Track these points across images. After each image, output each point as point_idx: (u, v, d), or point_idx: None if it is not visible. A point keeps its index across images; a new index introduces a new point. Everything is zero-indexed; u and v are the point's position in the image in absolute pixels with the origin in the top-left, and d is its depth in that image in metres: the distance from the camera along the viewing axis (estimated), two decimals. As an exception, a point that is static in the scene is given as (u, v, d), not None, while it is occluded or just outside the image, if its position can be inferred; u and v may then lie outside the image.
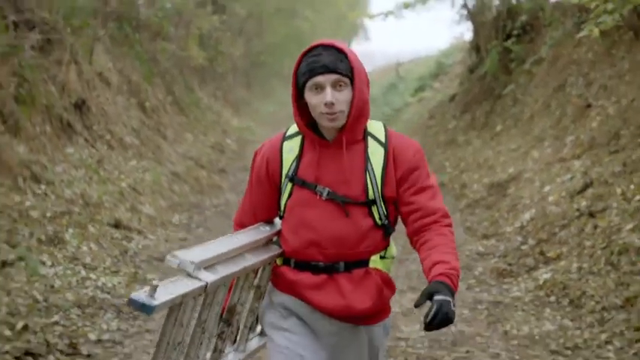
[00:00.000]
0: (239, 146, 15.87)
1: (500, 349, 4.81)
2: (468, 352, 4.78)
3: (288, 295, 2.48)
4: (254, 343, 2.73)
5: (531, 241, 7.04)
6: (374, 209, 2.40)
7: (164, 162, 10.96)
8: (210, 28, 17.78)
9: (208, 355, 2.45)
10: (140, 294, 1.99)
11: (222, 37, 19.38)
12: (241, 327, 2.63)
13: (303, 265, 2.45)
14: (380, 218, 2.41)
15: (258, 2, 23.42)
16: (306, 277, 2.43)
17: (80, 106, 9.16)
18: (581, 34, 6.22)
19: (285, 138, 2.50)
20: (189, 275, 2.15)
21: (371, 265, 2.43)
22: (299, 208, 2.43)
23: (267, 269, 2.58)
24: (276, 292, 2.53)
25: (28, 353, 4.17)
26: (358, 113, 2.37)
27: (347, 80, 2.35)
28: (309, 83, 2.35)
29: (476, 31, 15.27)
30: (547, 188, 8.02)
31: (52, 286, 5.27)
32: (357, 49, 45.35)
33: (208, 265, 2.23)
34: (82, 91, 9.38)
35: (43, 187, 6.87)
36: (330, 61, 2.33)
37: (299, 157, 2.45)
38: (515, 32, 12.77)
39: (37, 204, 6.42)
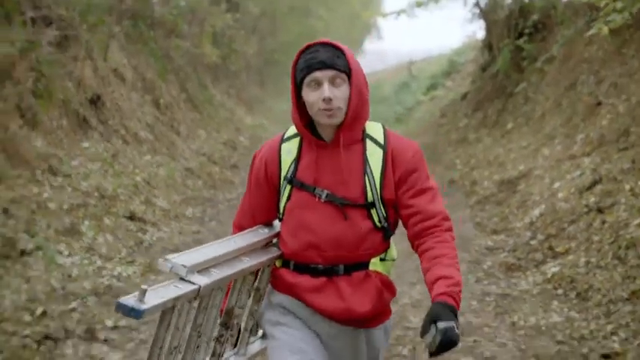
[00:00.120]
0: (251, 143, 15.99)
1: (507, 339, 4.90)
2: (475, 341, 4.87)
3: (288, 296, 2.47)
4: (255, 346, 2.71)
5: (540, 236, 7.12)
6: (373, 212, 2.39)
7: (178, 157, 11.09)
8: (224, 26, 17.89)
9: (207, 359, 2.44)
10: (129, 298, 1.97)
11: (236, 35, 19.50)
12: (242, 330, 2.61)
13: (302, 268, 2.44)
14: (379, 221, 2.40)
15: (272, 0, 23.54)
16: (305, 280, 2.42)
17: (95, 101, 9.31)
18: (590, 32, 6.28)
19: (283, 140, 2.48)
20: (182, 279, 2.14)
21: (371, 267, 2.42)
22: (298, 211, 2.42)
23: (267, 271, 2.57)
24: (276, 293, 2.52)
25: (47, 337, 4.30)
26: (355, 111, 2.36)
27: (344, 77, 2.34)
28: (307, 79, 2.34)
29: (488, 30, 15.33)
30: (557, 185, 8.09)
31: (70, 275, 5.39)
32: (370, 47, 45.38)
33: (202, 268, 2.22)
34: (97, 87, 9.52)
35: (60, 179, 7.01)
36: (328, 57, 2.32)
37: (297, 159, 2.43)
38: (527, 31, 12.83)
39: (54, 196, 6.56)
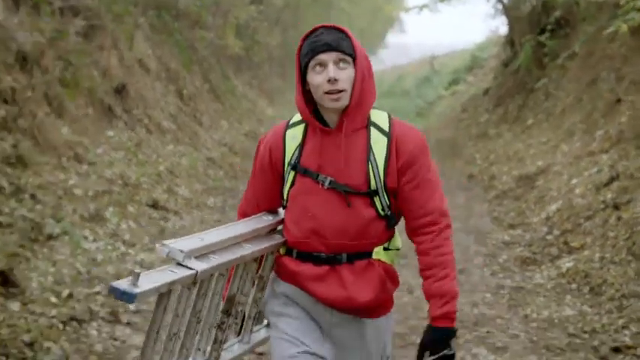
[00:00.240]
0: (273, 135, 16.12)
1: (520, 331, 5.00)
2: (488, 332, 4.97)
3: (291, 285, 2.46)
4: (260, 335, 2.69)
5: (556, 232, 7.19)
6: (376, 200, 2.36)
7: (200, 147, 11.25)
8: (248, 18, 18.02)
9: (209, 347, 2.43)
10: (122, 282, 1.95)
11: (259, 27, 19.62)
12: (245, 318, 2.59)
13: (305, 256, 2.42)
14: (382, 209, 2.37)
15: (295, -7, 23.65)
16: (308, 268, 2.41)
17: (120, 90, 9.48)
18: (609, 30, 6.33)
19: (288, 126, 2.46)
20: (179, 264, 2.12)
21: (374, 256, 2.40)
22: (301, 197, 2.40)
23: (270, 259, 2.54)
24: (279, 282, 2.51)
25: (73, 319, 4.45)
26: (360, 95, 2.33)
27: (349, 59, 2.32)
28: (312, 62, 2.32)
29: (510, 26, 15.36)
30: (574, 181, 8.15)
31: (94, 260, 5.55)
32: (393, 41, 45.38)
33: (200, 254, 2.19)
34: (122, 77, 9.70)
35: (85, 166, 7.18)
36: (333, 39, 2.31)
37: (302, 145, 2.41)
38: (549, 27, 12.84)
39: (79, 182, 6.73)
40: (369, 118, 2.39)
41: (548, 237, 7.17)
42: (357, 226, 2.35)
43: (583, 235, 6.74)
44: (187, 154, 10.27)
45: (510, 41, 15.44)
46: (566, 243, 6.79)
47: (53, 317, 4.36)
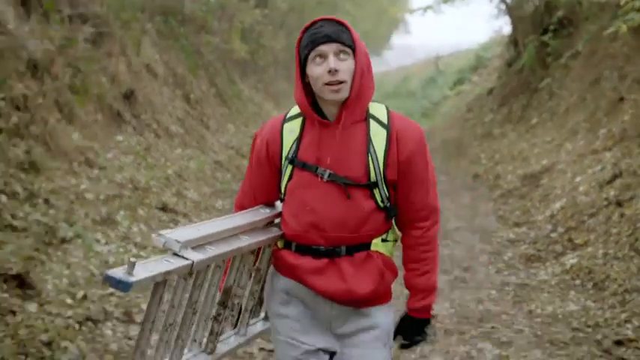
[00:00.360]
0: (279, 137, 16.24)
1: (524, 326, 5.10)
2: (493, 327, 5.08)
3: (290, 279, 2.47)
4: (256, 327, 2.70)
5: (560, 229, 7.29)
6: (376, 192, 2.38)
7: (207, 151, 11.37)
8: (253, 22, 18.14)
9: (205, 338, 2.44)
10: (117, 270, 1.94)
11: (264, 31, 19.73)
12: (242, 311, 2.59)
13: (304, 249, 2.42)
14: (382, 200, 2.39)
15: (300, -4, 23.79)
16: (307, 262, 2.41)
17: (129, 96, 9.61)
18: (609, 30, 6.43)
19: (285, 120, 2.46)
20: (175, 254, 2.11)
21: (372, 248, 2.42)
22: (299, 191, 2.40)
23: (267, 252, 2.54)
24: (278, 277, 2.52)
25: (88, 319, 4.57)
26: (360, 87, 2.33)
27: (349, 51, 2.32)
28: (312, 54, 2.32)
29: (514, 26, 15.45)
30: (578, 179, 8.25)
31: (107, 262, 5.67)
32: (398, 42, 45.46)
33: (197, 244, 2.19)
34: (130, 82, 9.82)
35: (96, 171, 7.30)
36: (333, 31, 2.31)
37: (299, 139, 2.41)
38: (552, 27, 12.94)
39: (91, 187, 6.85)
40: (367, 110, 2.40)
41: (553, 234, 7.27)
42: (357, 219, 2.37)
43: (587, 232, 6.84)
44: (195, 157, 10.40)
45: (514, 41, 15.54)
46: (570, 240, 6.89)
47: (69, 318, 4.48)
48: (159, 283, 2.04)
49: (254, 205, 2.53)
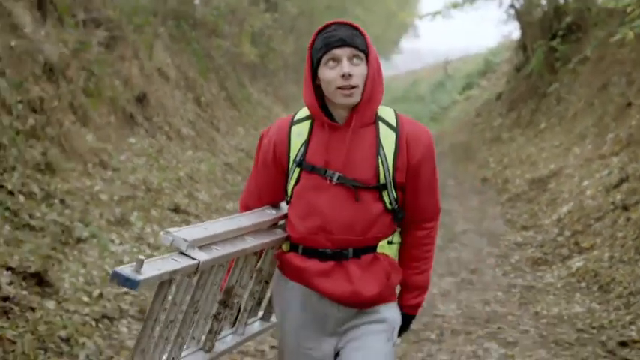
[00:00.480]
0: (289, 140, 16.35)
1: (530, 327, 5.20)
2: (499, 328, 5.18)
3: (295, 284, 2.48)
4: (254, 327, 2.70)
5: (567, 233, 7.38)
6: (385, 194, 2.39)
7: (218, 153, 11.50)
8: (263, 26, 18.27)
9: (203, 336, 2.44)
10: (125, 268, 1.94)
11: (274, 35, 19.87)
12: (241, 310, 2.60)
13: (310, 252, 2.42)
14: (390, 203, 2.40)
15: (309, 0, 23.91)
16: (313, 264, 2.41)
17: (141, 99, 9.75)
18: (616, 37, 6.52)
19: (293, 122, 2.46)
20: (182, 253, 2.11)
21: (379, 250, 2.43)
22: (308, 194, 2.40)
23: (270, 253, 2.55)
24: (282, 282, 2.53)
25: (104, 316, 4.70)
26: (371, 91, 2.35)
27: (362, 56, 2.33)
28: (325, 58, 2.33)
29: (523, 31, 15.54)
30: (585, 183, 8.34)
31: (121, 262, 5.79)
32: (407, 46, 45.55)
33: (203, 244, 2.19)
34: (143, 85, 9.97)
35: (109, 173, 7.44)
36: (347, 35, 2.32)
37: (307, 142, 2.41)
38: (560, 32, 13.02)
39: (105, 188, 6.98)
40: (376, 113, 2.41)
41: (559, 238, 7.37)
42: (365, 221, 2.38)
43: (593, 235, 6.93)
44: (206, 159, 10.53)
45: (523, 46, 15.63)
46: (576, 243, 6.98)
47: (86, 315, 4.61)
48: (164, 282, 2.05)
49: (259, 205, 2.54)
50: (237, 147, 12.80)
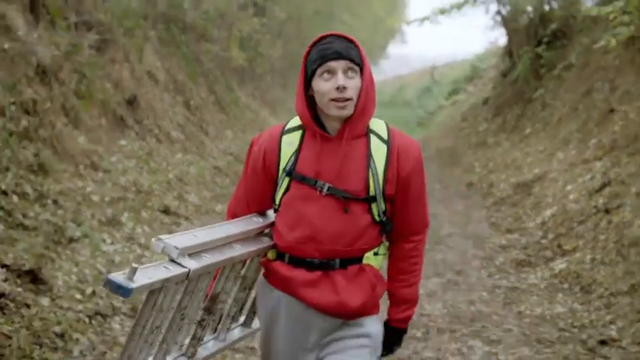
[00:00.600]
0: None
1: (513, 326, 5.33)
2: (483, 327, 5.31)
3: (280, 293, 2.48)
4: (236, 333, 2.72)
5: (551, 235, 7.53)
6: (373, 206, 2.40)
7: (207, 156, 11.60)
8: (251, 31, 18.36)
9: (186, 341, 2.45)
10: (118, 275, 1.95)
11: (262, 39, 19.96)
12: (224, 316, 2.61)
13: (297, 261, 2.42)
14: (378, 215, 2.42)
15: (298, 5, 24.02)
16: (300, 274, 2.42)
17: (132, 101, 9.84)
18: (599, 44, 6.67)
19: (284, 131, 2.46)
20: (172, 261, 2.12)
21: (364, 261, 2.43)
22: (297, 203, 2.41)
23: (255, 260, 2.56)
24: (266, 291, 2.53)
25: (97, 313, 4.80)
26: (364, 104, 2.37)
27: (357, 69, 2.36)
28: (320, 70, 2.34)
29: (509, 37, 15.72)
30: (569, 187, 8.49)
31: (113, 261, 5.89)
32: (394, 52, 45.79)
33: (193, 252, 2.20)
34: (133, 88, 10.06)
35: (100, 174, 7.53)
36: (342, 48, 2.34)
37: (298, 152, 2.41)
38: (546, 39, 13.21)
39: (96, 189, 7.07)
40: (367, 126, 2.43)
41: (543, 241, 7.52)
42: (353, 232, 2.39)
43: (575, 238, 7.08)
44: (195, 162, 10.63)
45: (509, 52, 15.81)
46: (559, 246, 7.13)
47: (80, 312, 4.70)
48: (154, 290, 2.07)
49: (246, 212, 2.55)
50: (226, 150, 12.90)
